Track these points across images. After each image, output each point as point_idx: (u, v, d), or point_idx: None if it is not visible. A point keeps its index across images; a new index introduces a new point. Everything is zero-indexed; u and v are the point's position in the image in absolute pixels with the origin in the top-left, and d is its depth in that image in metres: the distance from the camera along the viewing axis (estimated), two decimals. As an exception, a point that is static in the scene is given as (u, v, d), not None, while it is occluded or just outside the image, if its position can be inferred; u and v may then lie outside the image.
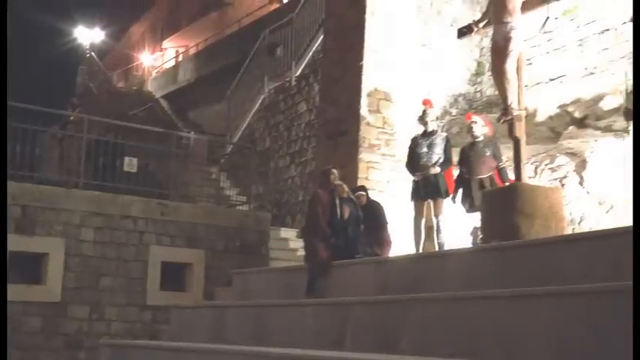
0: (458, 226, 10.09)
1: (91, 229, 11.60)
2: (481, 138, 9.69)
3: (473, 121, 9.82)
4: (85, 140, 12.43)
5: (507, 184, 9.19)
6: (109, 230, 11.76)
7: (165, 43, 37.58)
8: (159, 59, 37.75)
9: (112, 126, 14.22)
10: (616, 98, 11.63)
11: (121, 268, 11.77)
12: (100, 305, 11.51)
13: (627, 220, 8.33)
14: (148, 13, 39.81)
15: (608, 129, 10.96)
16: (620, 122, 8.67)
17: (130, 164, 12.93)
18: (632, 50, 5.88)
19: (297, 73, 15.73)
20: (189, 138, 16.06)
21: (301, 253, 10.80)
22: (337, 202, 9.44)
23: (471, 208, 9.54)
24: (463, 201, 9.68)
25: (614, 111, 11.44)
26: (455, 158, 10.11)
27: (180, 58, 33.54)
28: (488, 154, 9.48)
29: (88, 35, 35.20)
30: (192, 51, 32.17)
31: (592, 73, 12.45)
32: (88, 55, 31.75)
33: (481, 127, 9.72)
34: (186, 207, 12.69)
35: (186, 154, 14.86)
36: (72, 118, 14.14)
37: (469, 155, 9.67)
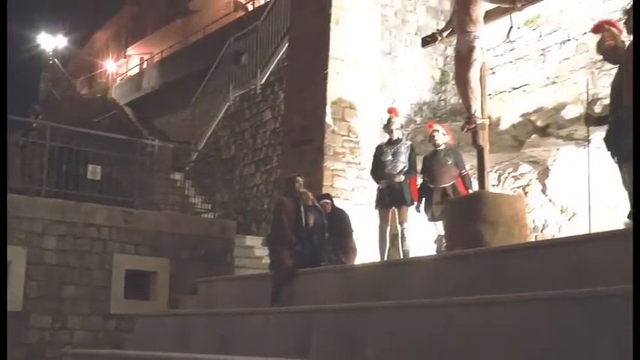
0: (423, 233, 10.14)
1: (54, 237, 11.46)
2: (443, 147, 9.74)
3: (434, 130, 9.86)
4: (48, 147, 12.29)
5: (471, 191, 9.25)
6: (72, 238, 11.63)
7: (130, 50, 37.33)
8: (123, 66, 37.49)
9: (76, 133, 14.08)
10: (577, 107, 11.80)
11: (85, 276, 11.63)
12: (62, 314, 11.37)
13: (588, 228, 8.42)
14: (112, 19, 39.52)
15: (569, 137, 11.11)
16: (582, 131, 8.78)
17: (94, 172, 12.81)
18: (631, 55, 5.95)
19: (262, 81, 15.72)
20: (153, 145, 15.93)
21: (266, 260, 10.76)
22: (302, 209, 9.43)
23: (432, 218, 9.59)
24: (425, 210, 9.72)
25: (576, 120, 11.59)
26: (419, 167, 10.15)
27: (145, 65, 33.34)
28: (449, 162, 9.52)
29: (51, 42, 34.84)
30: (156, 58, 32.01)
31: (554, 83, 12.62)
32: (51, 62, 31.42)
33: (442, 136, 9.76)
34: (150, 215, 12.59)
35: (150, 161, 14.75)
36: (34, 125, 13.97)
37: (431, 164, 9.71)
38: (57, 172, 12.41)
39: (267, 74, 15.61)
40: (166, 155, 17.30)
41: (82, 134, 13.72)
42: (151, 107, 25.84)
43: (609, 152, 6.77)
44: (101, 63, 39.20)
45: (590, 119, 7.51)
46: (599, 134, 9.12)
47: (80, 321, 11.47)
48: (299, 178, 9.76)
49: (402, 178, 9.86)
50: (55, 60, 31.42)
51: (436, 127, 9.93)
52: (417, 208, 9.83)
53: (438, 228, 9.47)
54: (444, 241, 9.14)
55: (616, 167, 6.88)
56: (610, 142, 6.74)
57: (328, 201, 10.24)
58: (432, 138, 9.86)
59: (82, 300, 11.53)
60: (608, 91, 7.40)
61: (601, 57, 7.45)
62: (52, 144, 12.52)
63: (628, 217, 6.74)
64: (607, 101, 7.56)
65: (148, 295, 12.24)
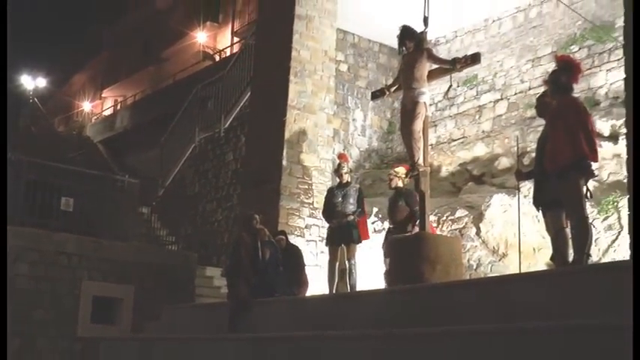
0: (369, 269, 10.16)
1: (26, 263, 11.22)
2: (398, 186, 9.65)
3: (393, 175, 9.73)
4: (24, 180, 12.07)
5: (412, 233, 9.29)
6: (43, 265, 11.38)
7: (105, 93, 37.05)
8: (98, 107, 37.17)
9: (51, 167, 13.86)
10: (508, 159, 12.02)
11: (54, 301, 11.38)
12: (31, 337, 11.07)
13: (518, 268, 8.52)
14: (90, 64, 39.24)
15: (501, 186, 11.29)
16: (513, 180, 8.93)
17: (67, 204, 12.61)
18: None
19: (226, 126, 15.70)
20: (123, 181, 15.74)
21: (225, 290, 10.67)
22: (259, 244, 9.40)
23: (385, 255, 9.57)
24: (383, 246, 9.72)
25: (507, 170, 11.80)
26: (368, 208, 10.18)
27: (119, 106, 33.10)
28: (400, 203, 9.53)
29: (31, 82, 34.45)
30: (129, 101, 31.81)
31: (488, 136, 12.85)
32: (31, 101, 31.01)
33: (398, 180, 9.64)
34: (118, 245, 12.40)
35: (120, 195, 14.57)
36: (12, 158, 13.72)
37: (389, 205, 9.75)
38: (32, 203, 12.18)
39: (231, 119, 15.60)
40: (135, 190, 17.10)
41: (57, 168, 13.51)
42: (123, 145, 25.61)
43: (534, 203, 6.88)
44: (78, 103, 38.79)
45: (521, 175, 7.63)
46: (527, 184, 9.31)
47: (48, 343, 11.18)
48: (256, 216, 9.75)
49: (350, 217, 9.86)
50: (35, 99, 31.03)
51: (396, 171, 9.76)
52: (383, 245, 9.77)
53: (388, 263, 9.44)
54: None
55: (541, 215, 7.01)
56: (536, 191, 6.87)
57: (283, 237, 10.23)
58: (389, 181, 9.81)
59: (51, 323, 11.26)
60: (534, 145, 7.55)
61: (534, 110, 7.58)
62: (28, 177, 12.29)
63: (550, 259, 6.85)
64: (534, 154, 7.70)
65: (113, 320, 12.00)
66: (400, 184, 9.60)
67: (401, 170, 9.57)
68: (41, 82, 35.69)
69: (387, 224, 9.87)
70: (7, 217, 11.44)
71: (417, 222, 9.13)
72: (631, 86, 6.05)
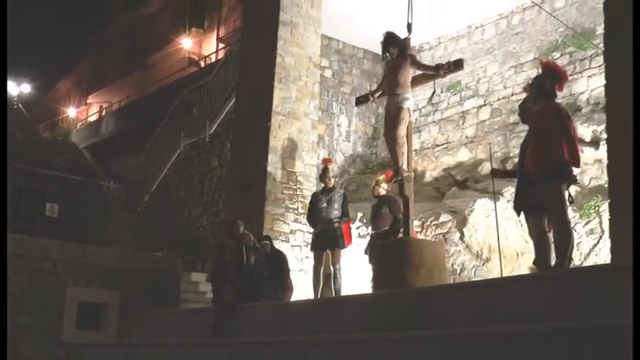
0: (353, 273, 10.15)
1: (11, 269, 11.11)
2: (382, 193, 9.70)
3: (376, 183, 9.78)
4: (9, 186, 11.97)
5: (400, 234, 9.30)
6: (28, 271, 11.29)
7: (90, 98, 36.87)
8: (84, 112, 36.98)
9: (36, 173, 13.76)
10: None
11: (39, 307, 11.28)
12: (16, 342, 10.97)
13: (500, 272, 8.55)
14: (75, 69, 39.04)
15: (484, 191, 11.31)
16: (496, 185, 8.96)
17: (52, 209, 12.53)
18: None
19: (211, 131, 15.66)
20: (108, 186, 15.66)
21: (210, 295, 10.62)
22: (244, 250, 9.38)
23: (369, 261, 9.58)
24: (366, 252, 9.73)
25: (490, 176, 11.82)
26: (352, 213, 10.18)
27: (104, 112, 32.94)
28: (383, 210, 9.55)
29: (15, 88, 34.24)
30: (115, 107, 31.67)
31: (472, 142, 12.89)
32: (15, 107, 30.82)
33: (381, 189, 9.68)
34: (103, 251, 12.32)
35: (105, 201, 14.49)
36: (-3, 164, 13.60)
37: (372, 212, 9.77)
38: (17, 209, 12.09)
39: (216, 125, 15.57)
40: (120, 196, 17.02)
41: (42, 174, 13.41)
42: (108, 151, 25.48)
43: (515, 208, 6.90)
44: (63, 109, 38.59)
45: (498, 172, 7.66)
46: (510, 189, 9.33)
47: (33, 349, 11.07)
48: (240, 222, 9.74)
49: (335, 223, 9.86)
50: (20, 105, 30.83)
51: (381, 179, 9.80)
52: (365, 251, 9.79)
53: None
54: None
55: (523, 219, 7.03)
56: (518, 196, 6.89)
57: (268, 242, 10.21)
58: (373, 189, 9.84)
59: (36, 329, 11.16)
60: (517, 151, 7.58)
61: (517, 115, 7.61)
62: (13, 184, 12.19)
63: (533, 263, 6.88)
64: (517, 159, 7.72)
65: (98, 326, 11.91)
66: (383, 191, 9.62)
67: (382, 178, 9.64)
68: (26, 88, 35.47)
69: (371, 229, 9.86)
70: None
71: (401, 229, 9.17)
72: (613, 92, 6.10)
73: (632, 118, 5.65)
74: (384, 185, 9.63)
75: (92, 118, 33.76)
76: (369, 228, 9.93)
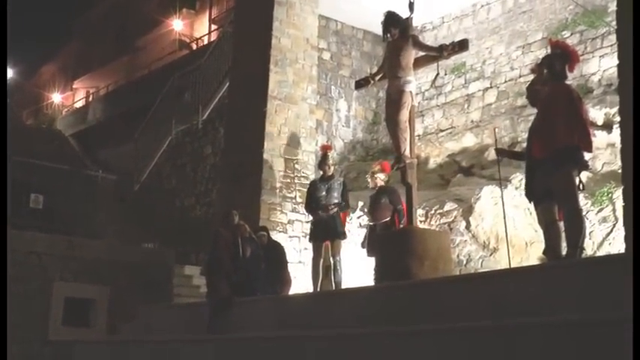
0: (354, 265, 10.16)
1: (-5, 263, 11.12)
2: (381, 184, 9.74)
3: (374, 173, 9.82)
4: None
5: (400, 227, 9.31)
6: (13, 265, 11.28)
7: (76, 84, 36.82)
8: (69, 98, 36.92)
9: (20, 163, 13.75)
10: (499, 150, 12.00)
11: (24, 303, 11.28)
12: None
13: (508, 263, 8.55)
14: (60, 53, 38.96)
15: (491, 177, 11.29)
16: (503, 172, 8.95)
17: (37, 201, 12.57)
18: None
19: (204, 117, 15.65)
20: (96, 176, 15.68)
21: (204, 289, 10.64)
22: (239, 241, 9.38)
23: (368, 253, 9.61)
24: (364, 244, 9.75)
25: (497, 162, 11.80)
26: (352, 202, 10.18)
27: (91, 98, 32.89)
28: (383, 200, 9.55)
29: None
30: (102, 92, 31.61)
31: (477, 126, 12.87)
32: (-4, 93, 30.68)
33: (380, 179, 9.72)
34: (92, 243, 12.33)
35: (93, 191, 14.50)
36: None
37: (371, 203, 9.78)
38: None
39: (209, 111, 15.54)
40: (109, 186, 17.03)
41: (26, 164, 13.41)
42: (96, 139, 25.46)
43: (527, 195, 6.89)
44: (48, 95, 38.53)
45: (503, 152, 7.66)
46: (519, 175, 9.32)
47: (18, 347, 11.08)
48: (235, 212, 9.74)
49: (334, 210, 9.87)
50: (1, 91, 30.68)
51: (376, 170, 9.85)
52: (362, 244, 9.82)
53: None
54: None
55: (532, 207, 7.02)
56: (527, 183, 6.88)
57: (264, 233, 10.21)
58: (372, 180, 9.86)
59: (22, 326, 11.16)
60: (525, 135, 7.56)
61: (525, 98, 7.59)
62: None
63: (543, 253, 6.87)
64: (525, 145, 7.70)
65: (87, 322, 11.93)
66: (380, 182, 9.65)
67: (377, 168, 9.74)
68: (7, 73, 35.35)
69: (370, 221, 9.85)
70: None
71: (402, 221, 9.19)
72: (626, 73, 6.07)
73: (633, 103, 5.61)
74: (381, 175, 9.67)
75: (78, 104, 33.71)
76: (368, 219, 9.92)
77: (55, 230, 12.16)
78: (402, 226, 9.25)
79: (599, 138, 10.07)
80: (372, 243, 9.35)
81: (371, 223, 9.69)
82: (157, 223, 14.38)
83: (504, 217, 8.22)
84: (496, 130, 9.84)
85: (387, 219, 9.43)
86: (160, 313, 10.64)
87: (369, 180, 9.89)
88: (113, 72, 32.15)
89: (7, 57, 10.30)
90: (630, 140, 5.50)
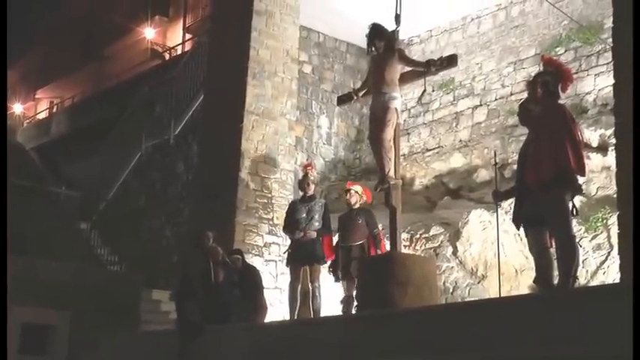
0: (333, 292, 10.16)
1: (-56, 285, 11.00)
2: (357, 206, 9.81)
3: (350, 191, 9.90)
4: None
5: (379, 251, 9.35)
6: (-35, 288, 11.18)
7: (39, 93, 36.64)
8: (31, 109, 36.72)
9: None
10: (488, 171, 12.11)
11: (-22, 329, 11.17)
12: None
13: (498, 292, 8.59)
14: (21, 60, 38.78)
15: (480, 200, 11.38)
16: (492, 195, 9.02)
17: (-7, 218, 12.42)
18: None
19: (176, 132, 15.63)
20: (59, 193, 15.60)
21: (174, 316, 10.58)
22: (211, 265, 9.36)
23: (338, 278, 9.63)
24: (333, 269, 9.77)
25: (486, 184, 11.90)
26: (332, 224, 10.19)
27: (55, 109, 32.74)
28: (360, 221, 9.60)
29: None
30: (67, 103, 31.48)
31: (466, 146, 12.96)
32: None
33: (357, 197, 9.82)
34: (53, 265, 12.23)
35: (55, 209, 14.42)
36: None
37: (344, 223, 9.80)
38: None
39: (182, 125, 15.54)
40: (73, 204, 16.93)
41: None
42: (59, 153, 25.33)
43: (514, 220, 6.92)
44: (8, 105, 38.30)
45: (499, 194, 7.70)
46: (508, 200, 9.39)
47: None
48: (209, 234, 9.73)
49: (314, 235, 9.88)
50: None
51: (353, 188, 9.97)
52: (329, 268, 9.85)
53: (346, 288, 9.51)
54: (350, 301, 9.17)
55: (523, 233, 7.06)
56: (516, 207, 6.91)
57: (239, 257, 10.18)
58: (347, 198, 9.93)
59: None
60: (516, 157, 7.61)
61: (516, 117, 7.65)
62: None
63: (534, 281, 6.90)
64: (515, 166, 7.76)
65: (45, 350, 11.80)
66: (355, 201, 9.72)
67: (356, 187, 9.82)
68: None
69: (342, 242, 9.85)
70: None
71: (377, 247, 9.24)
72: (623, 93, 6.15)
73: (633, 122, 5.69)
74: (358, 190, 9.76)
75: (41, 116, 33.54)
76: (340, 240, 9.90)
77: (14, 250, 12.03)
78: (378, 252, 9.29)
79: (593, 161, 10.18)
80: (347, 267, 9.39)
81: (346, 245, 9.67)
82: (123, 244, 14.30)
83: (498, 243, 8.26)
84: (489, 154, 9.91)
85: (363, 241, 9.47)
86: (125, 341, 10.57)
87: (347, 198, 9.91)
88: (79, 82, 32.03)
89: (7, 57, 10.32)
90: (630, 164, 5.57)
